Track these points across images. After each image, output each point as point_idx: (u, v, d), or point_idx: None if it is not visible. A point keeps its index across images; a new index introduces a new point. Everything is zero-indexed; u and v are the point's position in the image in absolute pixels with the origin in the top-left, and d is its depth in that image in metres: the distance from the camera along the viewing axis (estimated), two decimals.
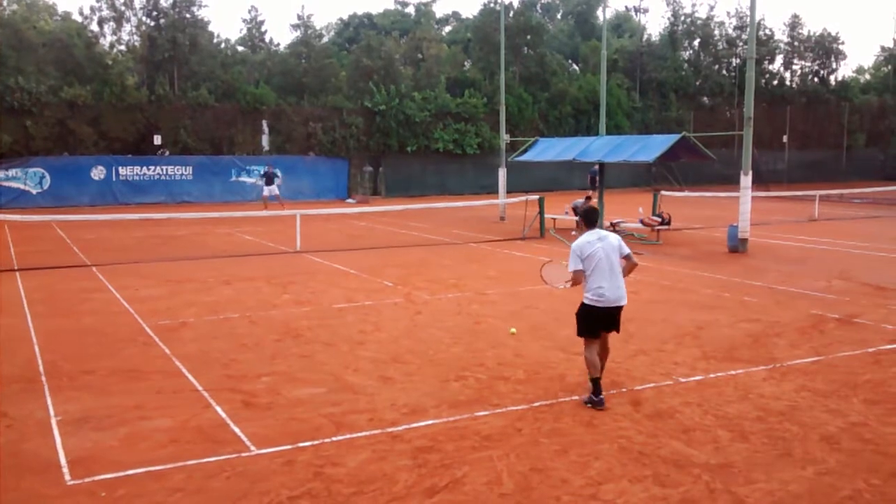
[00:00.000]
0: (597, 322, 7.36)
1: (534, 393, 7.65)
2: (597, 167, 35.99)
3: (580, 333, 7.43)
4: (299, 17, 43.74)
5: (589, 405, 7.20)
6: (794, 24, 54.04)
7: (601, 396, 7.21)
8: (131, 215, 22.47)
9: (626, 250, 7.46)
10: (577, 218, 8.10)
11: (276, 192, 30.43)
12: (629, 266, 7.51)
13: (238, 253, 18.48)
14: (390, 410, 7.18)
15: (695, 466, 5.91)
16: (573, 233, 21.95)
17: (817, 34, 53.89)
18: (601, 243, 7.31)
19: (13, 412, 7.17)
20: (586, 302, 7.34)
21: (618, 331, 7.55)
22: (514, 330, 9.96)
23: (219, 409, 7.24)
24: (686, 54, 52.26)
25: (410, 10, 59.24)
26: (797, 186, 38.62)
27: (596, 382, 7.24)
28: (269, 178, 30.38)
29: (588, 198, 22.63)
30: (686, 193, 30.56)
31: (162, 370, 8.53)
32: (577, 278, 7.36)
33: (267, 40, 43.65)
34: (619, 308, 7.41)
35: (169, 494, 5.49)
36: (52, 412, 7.17)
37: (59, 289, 13.63)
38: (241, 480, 5.70)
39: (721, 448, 6.26)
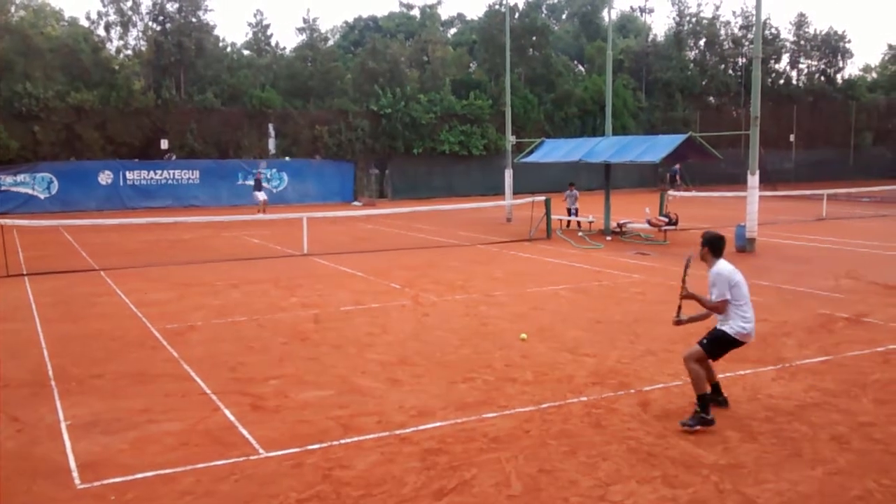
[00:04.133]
0: (728, 352, 6.98)
1: (541, 394, 7.64)
2: (678, 166, 35.75)
3: (711, 355, 6.88)
4: (305, 21, 43.89)
5: (697, 426, 6.58)
6: (801, 22, 53.99)
7: (712, 415, 6.70)
8: (139, 219, 22.54)
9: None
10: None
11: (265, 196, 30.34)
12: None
13: (245, 256, 18.52)
14: (398, 412, 7.18)
15: (704, 467, 5.89)
16: (580, 234, 21.93)
17: (823, 33, 53.81)
18: (740, 274, 6.91)
19: (23, 416, 7.21)
20: (733, 333, 6.80)
21: None
22: (524, 336, 9.92)
23: (227, 412, 7.25)
24: (692, 54, 52.23)
25: (415, 12, 59.30)
26: (804, 185, 38.45)
27: (706, 399, 6.73)
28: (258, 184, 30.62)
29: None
30: (693, 193, 30.49)
31: (170, 374, 8.55)
32: (722, 308, 6.82)
33: (273, 44, 43.83)
34: None
35: (178, 498, 5.50)
36: (61, 416, 7.20)
37: (67, 293, 13.68)
38: (249, 483, 5.72)
39: (730, 448, 6.24)
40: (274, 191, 36.75)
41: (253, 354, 9.34)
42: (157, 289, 13.97)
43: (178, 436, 6.67)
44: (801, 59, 54.28)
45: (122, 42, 38.77)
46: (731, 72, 52.19)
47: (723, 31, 52.47)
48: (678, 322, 7.21)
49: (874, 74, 62.09)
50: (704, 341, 6.87)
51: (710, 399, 6.86)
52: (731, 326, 6.83)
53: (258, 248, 20.12)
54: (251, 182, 36.12)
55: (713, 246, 7.01)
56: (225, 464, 6.06)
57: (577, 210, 24.05)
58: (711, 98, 51.73)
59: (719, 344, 6.89)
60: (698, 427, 6.56)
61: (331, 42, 51.12)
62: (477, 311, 11.72)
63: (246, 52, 43.62)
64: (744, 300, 6.84)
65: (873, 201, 33.42)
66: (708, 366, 6.98)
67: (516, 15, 44.57)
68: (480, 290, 13.52)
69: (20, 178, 32.17)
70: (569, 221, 23.83)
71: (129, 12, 38.23)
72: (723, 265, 6.91)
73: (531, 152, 24.90)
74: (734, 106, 51.24)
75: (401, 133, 39.45)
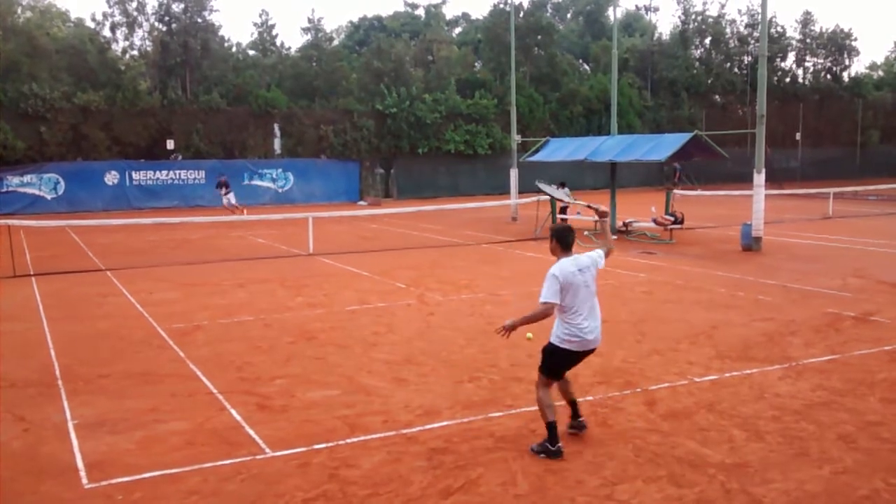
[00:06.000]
0: (568, 365, 6.31)
1: None
2: (676, 164, 35.63)
3: (545, 372, 6.24)
4: (310, 21, 43.99)
5: (542, 455, 6.06)
6: (807, 20, 53.82)
7: (559, 445, 6.08)
8: (145, 219, 22.60)
9: (602, 263, 6.37)
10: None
11: (233, 199, 29.44)
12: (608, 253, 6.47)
13: (251, 256, 18.55)
14: (404, 412, 7.18)
15: (710, 466, 5.88)
16: (585, 233, 21.91)
17: (830, 31, 53.64)
18: (582, 275, 6.11)
19: (30, 416, 7.23)
20: (559, 344, 6.14)
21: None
22: (530, 335, 9.86)
23: (233, 411, 7.26)
24: (697, 53, 52.12)
25: (420, 11, 59.32)
26: (811, 184, 38.39)
27: (553, 428, 6.09)
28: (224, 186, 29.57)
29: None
30: (699, 192, 30.43)
31: (176, 373, 8.57)
32: (548, 312, 6.04)
33: (278, 44, 43.85)
34: (593, 350, 6.32)
35: (184, 497, 5.51)
36: (68, 416, 7.22)
37: (74, 293, 13.72)
38: (256, 483, 5.72)
39: (736, 448, 6.23)
40: (280, 191, 36.85)
41: (259, 354, 9.36)
42: (163, 289, 14.01)
43: (184, 435, 6.68)
44: (808, 58, 54.12)
45: (127, 43, 38.93)
46: (736, 70, 52.07)
47: (728, 30, 52.36)
48: (509, 329, 6.16)
49: (881, 72, 61.88)
50: (541, 362, 6.26)
51: (572, 425, 6.42)
52: (554, 334, 6.17)
53: (264, 248, 20.15)
54: (257, 181, 36.30)
55: (560, 238, 6.22)
56: (231, 463, 6.07)
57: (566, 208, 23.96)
58: (717, 97, 51.61)
59: (549, 358, 6.22)
60: (543, 455, 6.05)
61: (336, 42, 51.21)
62: (483, 310, 11.72)
63: (251, 52, 43.68)
64: (573, 308, 6.07)
65: (880, 200, 33.31)
66: (565, 385, 6.43)
67: (521, 14, 44.52)
68: (486, 289, 13.51)
69: (27, 178, 32.29)
70: (561, 220, 23.70)
71: (135, 13, 38.36)
72: (562, 263, 6.12)
73: (536, 151, 24.88)
74: (740, 104, 51.11)
75: (406, 132, 39.47)
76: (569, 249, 6.22)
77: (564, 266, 6.09)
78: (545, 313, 6.05)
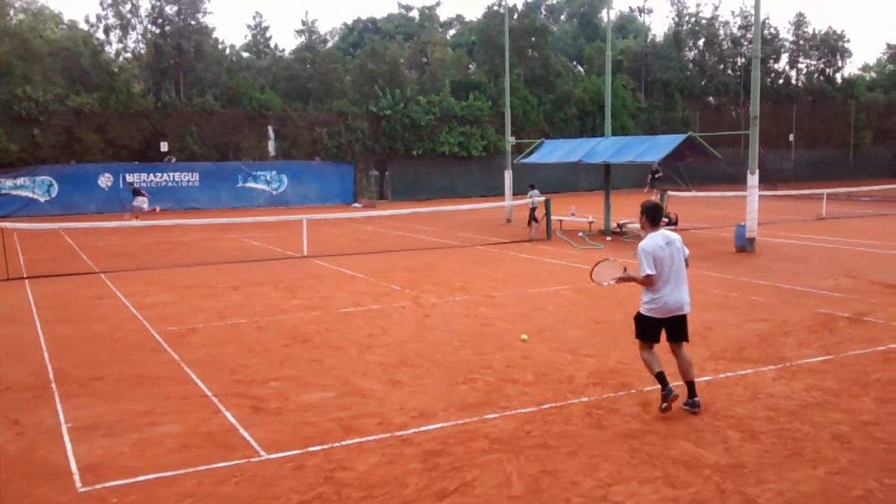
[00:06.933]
0: (656, 329, 7.06)
1: (542, 395, 7.63)
2: (656, 165, 35.72)
3: (638, 336, 7.19)
4: (304, 23, 43.96)
5: (664, 405, 6.92)
6: (799, 22, 54.07)
7: (668, 388, 6.90)
8: (139, 222, 22.53)
9: (687, 251, 7.13)
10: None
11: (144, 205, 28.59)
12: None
13: (245, 258, 18.52)
14: (399, 414, 7.18)
15: (705, 467, 5.88)
16: (580, 234, 21.93)
17: (822, 32, 53.89)
18: (669, 248, 6.93)
19: (24, 419, 7.20)
20: (644, 313, 7.04)
21: (686, 339, 7.14)
22: (525, 336, 9.90)
23: (228, 414, 7.25)
24: (691, 54, 52.31)
25: (414, 13, 59.40)
26: (804, 185, 38.49)
27: (661, 376, 6.95)
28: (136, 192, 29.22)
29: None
30: (693, 193, 30.50)
31: (171, 376, 8.55)
32: (650, 282, 6.88)
33: (272, 46, 43.89)
34: (682, 315, 7.07)
35: (179, 500, 5.49)
36: (62, 419, 7.19)
37: (68, 296, 13.68)
38: (250, 486, 5.71)
39: (731, 448, 6.24)
40: (274, 193, 36.83)
41: (254, 356, 9.34)
42: (157, 291, 13.97)
43: (179, 438, 6.66)
44: (801, 59, 54.39)
45: (121, 45, 38.93)
46: (730, 72, 52.26)
47: (722, 31, 52.57)
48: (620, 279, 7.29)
49: (873, 74, 62.15)
50: (635, 330, 7.22)
51: (686, 403, 7.00)
52: (641, 304, 7.08)
53: (258, 251, 20.12)
54: (251, 184, 36.27)
55: (649, 215, 7.11)
56: (226, 466, 6.05)
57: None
58: (711, 98, 51.80)
59: (637, 325, 7.15)
60: (665, 405, 6.89)
61: (330, 44, 51.24)
62: (477, 311, 11.72)
63: (245, 55, 43.70)
64: (660, 279, 6.88)
65: (873, 200, 33.43)
66: (680, 356, 7.10)
67: (515, 16, 44.60)
68: (481, 290, 13.51)
69: (20, 181, 32.21)
70: (529, 221, 23.50)
71: (129, 15, 38.34)
72: (650, 238, 6.98)
73: (531, 153, 24.90)
74: (733, 106, 51.30)
75: (400, 134, 39.49)
76: (657, 224, 7.05)
77: (653, 240, 6.93)
78: (647, 282, 6.90)
